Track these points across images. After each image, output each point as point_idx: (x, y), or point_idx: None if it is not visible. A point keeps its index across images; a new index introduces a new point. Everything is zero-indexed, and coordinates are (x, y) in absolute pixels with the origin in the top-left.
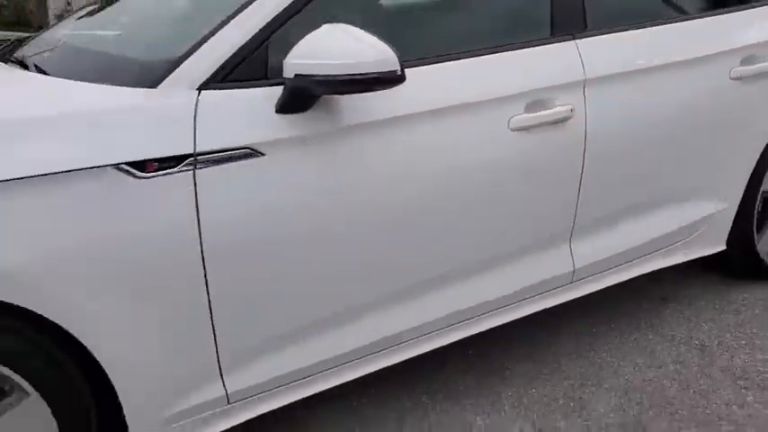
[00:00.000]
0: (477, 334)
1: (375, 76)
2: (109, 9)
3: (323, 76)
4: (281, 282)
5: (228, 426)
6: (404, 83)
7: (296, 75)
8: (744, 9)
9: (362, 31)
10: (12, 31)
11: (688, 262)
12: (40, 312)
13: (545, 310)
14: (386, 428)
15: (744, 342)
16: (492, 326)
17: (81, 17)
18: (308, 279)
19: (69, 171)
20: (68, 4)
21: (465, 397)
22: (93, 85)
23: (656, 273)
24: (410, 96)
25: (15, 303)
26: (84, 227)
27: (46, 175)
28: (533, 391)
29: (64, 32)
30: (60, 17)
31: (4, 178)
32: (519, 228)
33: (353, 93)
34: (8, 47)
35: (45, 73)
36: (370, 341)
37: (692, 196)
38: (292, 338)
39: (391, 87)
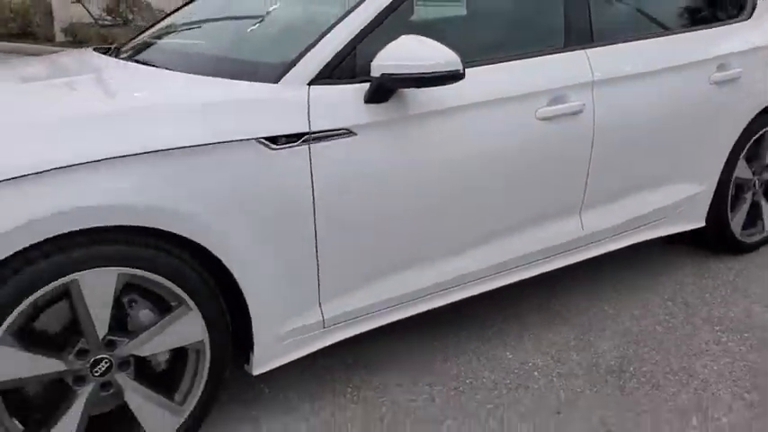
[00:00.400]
0: (497, 292)
1: (443, 74)
2: (214, 19)
3: (402, 74)
4: (368, 229)
5: (323, 345)
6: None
7: (382, 74)
8: (717, 26)
9: (432, 40)
10: (19, 42)
11: (676, 239)
12: (206, 246)
13: (556, 274)
14: (434, 363)
15: (719, 300)
16: (523, 278)
17: (185, 23)
18: (389, 227)
19: (226, 142)
20: (90, 14)
21: (496, 338)
22: (230, 80)
23: (649, 248)
24: (464, 91)
25: (194, 240)
26: (235, 183)
27: (210, 144)
28: (550, 335)
29: (183, 38)
30: (66, 30)
31: (185, 144)
32: (542, 197)
33: (425, 87)
34: (118, 47)
35: (180, 71)
36: (439, 281)
37: (677, 179)
38: (377, 276)
39: (454, 83)
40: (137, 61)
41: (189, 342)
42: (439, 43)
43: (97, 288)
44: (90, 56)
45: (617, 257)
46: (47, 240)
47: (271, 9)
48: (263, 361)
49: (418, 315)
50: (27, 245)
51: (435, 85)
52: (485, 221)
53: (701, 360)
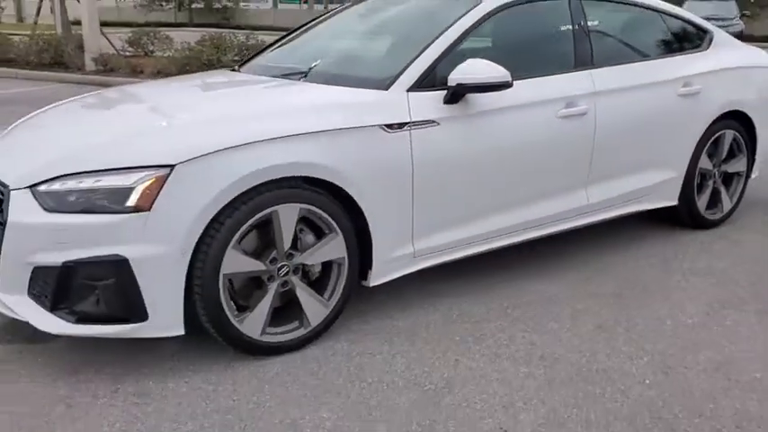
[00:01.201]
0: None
1: (498, 84)
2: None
3: (470, 84)
4: (447, 188)
5: (413, 270)
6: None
7: (457, 83)
8: (683, 54)
9: (489, 61)
10: (51, 71)
11: (657, 218)
12: (349, 193)
13: (571, 238)
14: (451, 330)
15: (690, 258)
16: (551, 232)
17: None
18: (457, 188)
19: (360, 127)
20: (112, 45)
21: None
22: (355, 89)
23: (637, 224)
24: (509, 96)
25: (344, 189)
26: (366, 154)
27: (350, 128)
28: (580, 273)
29: (306, 58)
30: (96, 60)
31: (335, 128)
32: (561, 173)
33: (485, 93)
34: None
35: (317, 83)
36: (509, 225)
37: (655, 166)
38: (451, 223)
39: (504, 90)
40: (279, 77)
41: (334, 258)
42: (494, 63)
43: (287, 217)
44: (231, 74)
45: (613, 228)
46: (263, 183)
47: (370, 36)
48: (376, 278)
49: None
50: (252, 185)
51: (492, 92)
52: (523, 189)
53: (676, 291)
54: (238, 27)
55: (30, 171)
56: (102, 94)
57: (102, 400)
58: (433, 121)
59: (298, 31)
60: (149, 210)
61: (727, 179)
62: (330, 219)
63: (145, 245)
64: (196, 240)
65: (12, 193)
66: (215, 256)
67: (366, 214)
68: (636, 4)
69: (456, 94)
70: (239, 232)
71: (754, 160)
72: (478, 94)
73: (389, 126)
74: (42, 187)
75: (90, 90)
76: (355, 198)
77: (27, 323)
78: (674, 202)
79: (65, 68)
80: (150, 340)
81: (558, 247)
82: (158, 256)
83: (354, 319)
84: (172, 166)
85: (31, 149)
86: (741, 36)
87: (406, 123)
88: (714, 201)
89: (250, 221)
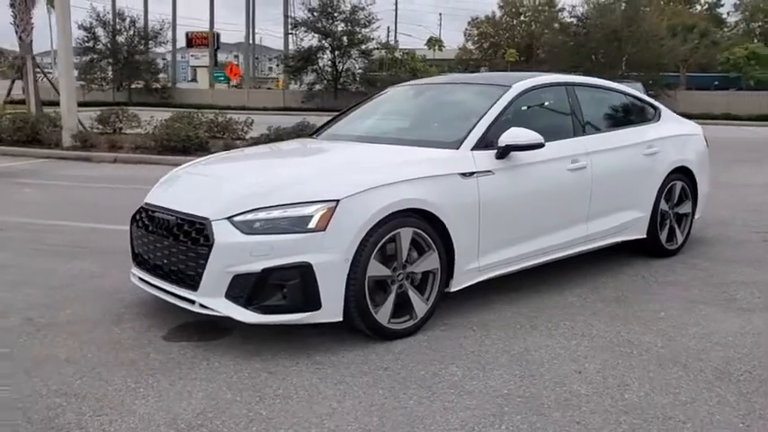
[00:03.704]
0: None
1: (535, 145)
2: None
3: (515, 145)
4: (500, 219)
5: (478, 281)
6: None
7: (505, 144)
8: (642, 124)
9: (527, 129)
10: (28, 147)
11: (630, 250)
12: (443, 221)
13: (562, 266)
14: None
15: (662, 275)
16: (567, 255)
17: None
18: (509, 219)
19: (447, 174)
20: (81, 123)
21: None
22: (434, 149)
23: (618, 255)
24: (538, 154)
25: (439, 218)
26: (451, 194)
27: (442, 175)
28: (575, 287)
29: (380, 126)
30: (75, 137)
31: (431, 175)
32: (571, 210)
33: (525, 151)
34: (316, 131)
35: (401, 145)
36: (539, 248)
37: (631, 207)
38: (502, 245)
39: (539, 149)
40: (366, 141)
41: (431, 268)
42: (530, 130)
43: (405, 238)
44: (317, 140)
45: (600, 258)
46: (393, 212)
47: (425, 112)
48: (456, 285)
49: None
50: (387, 213)
51: (530, 150)
52: (548, 221)
53: (658, 295)
54: (180, 106)
55: (224, 207)
56: (241, 151)
57: (292, 368)
58: (490, 171)
59: (351, 110)
60: (325, 230)
61: (679, 219)
62: (430, 240)
63: (322, 254)
64: (354, 252)
65: (213, 223)
66: (364, 263)
67: (452, 237)
68: (610, 89)
69: (504, 152)
70: (377, 247)
71: (696, 204)
72: (520, 152)
73: (463, 174)
74: (238, 218)
75: (73, 164)
76: (446, 225)
77: (199, 326)
78: (644, 236)
79: (40, 145)
80: (302, 333)
81: (561, 270)
82: (331, 262)
83: (440, 316)
84: (338, 201)
85: (210, 192)
86: None
87: (474, 172)
88: (671, 235)
89: (383, 240)
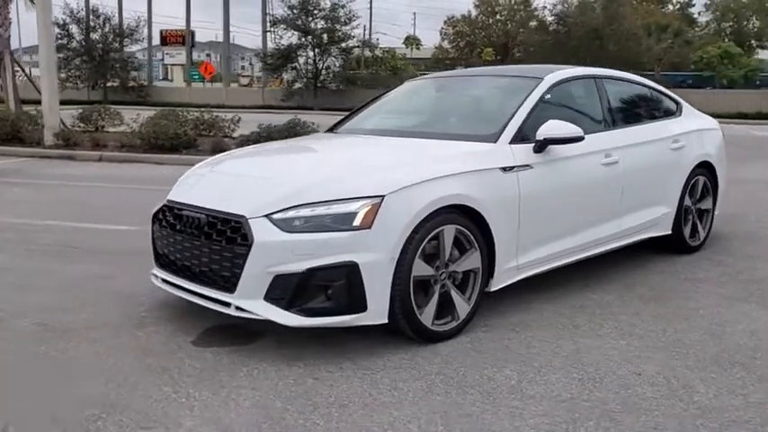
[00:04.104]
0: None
1: (574, 138)
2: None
3: (553, 138)
4: (539, 214)
5: (516, 279)
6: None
7: (543, 138)
8: (666, 118)
9: (565, 122)
10: (8, 146)
11: (649, 248)
12: (485, 218)
13: (592, 264)
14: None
15: (690, 272)
16: (603, 251)
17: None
18: (547, 214)
19: (488, 169)
20: (62, 122)
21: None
22: (473, 142)
23: (637, 252)
24: (574, 148)
25: (482, 215)
26: (492, 189)
27: (483, 170)
28: (609, 282)
29: (413, 121)
30: (57, 135)
31: (471, 170)
32: (604, 207)
33: (563, 144)
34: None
35: (437, 139)
36: (575, 245)
37: (658, 203)
38: (540, 242)
39: (578, 143)
40: (395, 135)
41: (473, 267)
42: (568, 122)
43: (448, 236)
44: (341, 134)
45: (628, 257)
46: (437, 209)
47: (453, 105)
48: (495, 285)
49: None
50: (432, 210)
51: (570, 143)
52: (584, 216)
53: (692, 292)
54: (157, 104)
55: (262, 204)
56: (261, 147)
57: (337, 374)
58: (529, 165)
59: (368, 105)
60: (370, 228)
61: (700, 214)
62: (472, 237)
63: (368, 253)
64: (399, 250)
65: (250, 221)
66: (408, 262)
67: (493, 234)
68: (635, 82)
69: (542, 146)
70: (422, 246)
71: (716, 200)
72: (557, 146)
73: (504, 168)
74: (278, 215)
75: (57, 163)
76: (488, 222)
77: (227, 329)
78: (669, 232)
79: (21, 143)
80: (335, 336)
81: (585, 268)
82: (377, 261)
83: (478, 317)
84: (383, 197)
85: (244, 188)
86: None
87: (514, 167)
88: (694, 231)
89: (427, 238)
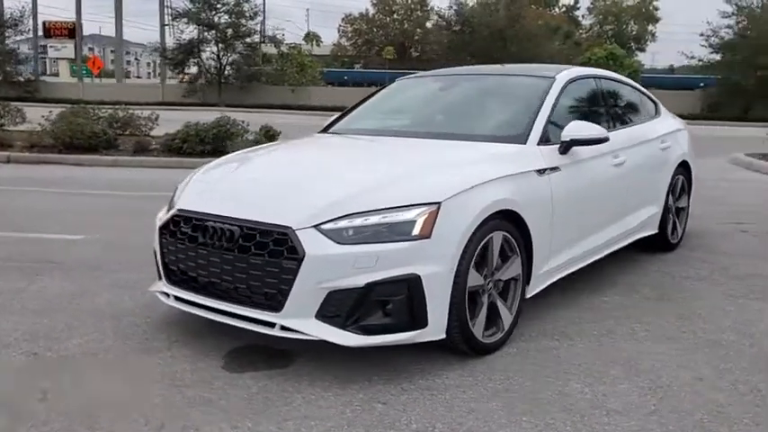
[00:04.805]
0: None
1: (599, 139)
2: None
3: (579, 139)
4: (568, 216)
5: (548, 284)
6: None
7: (570, 139)
8: (652, 119)
9: (588, 122)
10: None
11: (648, 247)
12: (526, 223)
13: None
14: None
15: (680, 271)
16: (613, 250)
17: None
18: (575, 215)
19: (523, 173)
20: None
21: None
22: (501, 143)
23: (624, 252)
24: (591, 149)
25: (524, 220)
26: (531, 193)
27: (523, 173)
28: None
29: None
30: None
31: (515, 172)
32: (616, 207)
33: (588, 145)
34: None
35: (448, 139)
36: (592, 247)
37: (651, 202)
38: (568, 245)
39: (602, 144)
40: (415, 136)
41: (515, 275)
42: (592, 123)
43: (496, 243)
44: (341, 138)
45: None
46: (488, 216)
47: (463, 104)
48: (531, 291)
49: None
50: (485, 216)
51: (596, 144)
52: (601, 218)
53: (695, 290)
54: (47, 101)
55: (309, 213)
56: (273, 149)
57: (403, 396)
58: (557, 168)
59: (363, 105)
60: (429, 237)
61: (677, 213)
62: (515, 243)
63: (429, 265)
64: (457, 261)
65: (298, 232)
66: (464, 273)
67: (533, 239)
68: (626, 83)
69: (568, 147)
70: (475, 254)
71: (690, 198)
72: (580, 147)
73: (539, 171)
74: (327, 226)
75: None
76: (529, 227)
77: (253, 351)
78: (656, 231)
79: None
80: (371, 353)
81: (596, 273)
82: (438, 273)
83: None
84: (439, 203)
85: (280, 195)
86: None
87: (546, 169)
88: (673, 229)
89: (480, 246)
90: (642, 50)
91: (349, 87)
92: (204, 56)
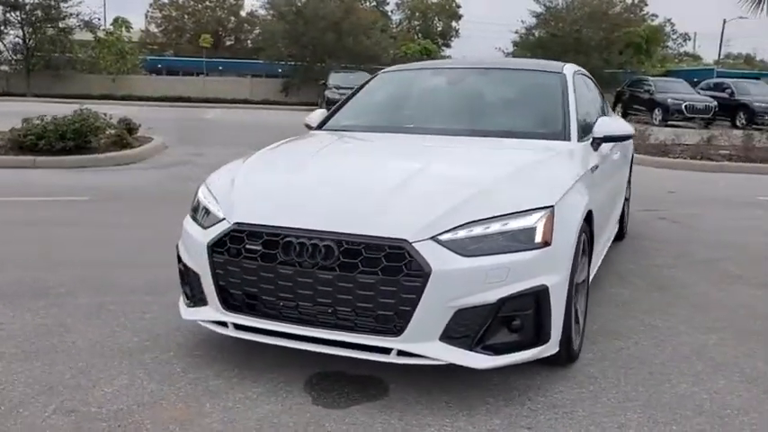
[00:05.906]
0: None
1: (627, 136)
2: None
3: (612, 136)
4: (602, 214)
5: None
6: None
7: (604, 135)
8: (610, 113)
9: (618, 118)
10: None
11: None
12: (594, 219)
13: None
14: None
15: (648, 260)
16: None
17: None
18: (606, 214)
19: (587, 171)
20: None
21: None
22: (545, 141)
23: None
24: (608, 144)
25: (593, 217)
26: (591, 191)
27: (585, 173)
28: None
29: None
30: None
31: (582, 173)
32: (616, 203)
33: (616, 141)
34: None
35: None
36: (606, 244)
37: (622, 195)
38: (601, 242)
39: (629, 140)
40: (447, 134)
41: (584, 278)
42: (621, 119)
43: (581, 245)
44: (365, 135)
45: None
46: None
47: (489, 100)
48: None
49: None
50: (584, 219)
51: (624, 140)
52: (612, 213)
53: (679, 278)
54: None
55: (424, 223)
56: (306, 142)
57: (541, 417)
58: (598, 165)
59: (355, 102)
60: (551, 243)
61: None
62: (588, 246)
63: (553, 274)
64: (570, 267)
65: (416, 245)
66: (572, 281)
67: (595, 239)
68: (590, 78)
69: (598, 142)
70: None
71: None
72: (606, 144)
73: (592, 169)
74: (446, 236)
75: None
76: (594, 227)
77: (330, 379)
78: (617, 222)
79: None
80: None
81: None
82: (560, 283)
83: None
84: (552, 207)
85: (374, 203)
86: None
87: (595, 166)
88: (622, 218)
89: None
90: (448, 46)
91: (164, 76)
92: (7, 40)
